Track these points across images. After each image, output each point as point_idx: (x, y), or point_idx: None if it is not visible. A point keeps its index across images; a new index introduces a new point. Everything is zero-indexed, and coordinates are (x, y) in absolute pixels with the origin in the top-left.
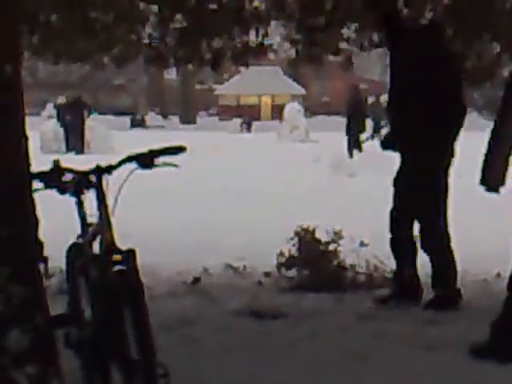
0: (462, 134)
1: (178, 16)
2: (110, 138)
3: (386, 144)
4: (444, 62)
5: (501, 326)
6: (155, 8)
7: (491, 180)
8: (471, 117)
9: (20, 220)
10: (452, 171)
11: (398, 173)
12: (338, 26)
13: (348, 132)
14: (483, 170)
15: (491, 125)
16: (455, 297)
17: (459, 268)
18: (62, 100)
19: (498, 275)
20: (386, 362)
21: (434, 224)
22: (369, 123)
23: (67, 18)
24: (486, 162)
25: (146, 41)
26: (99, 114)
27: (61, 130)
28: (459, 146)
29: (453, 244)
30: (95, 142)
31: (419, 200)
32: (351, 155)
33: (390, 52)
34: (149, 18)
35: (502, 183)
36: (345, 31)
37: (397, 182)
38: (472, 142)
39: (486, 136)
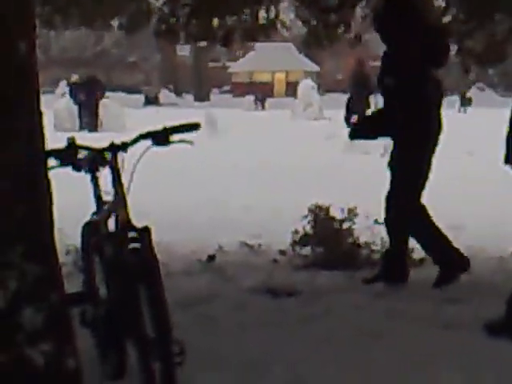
0: (477, 112)
1: None
2: (123, 116)
3: (354, 134)
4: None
5: None
6: None
7: None
8: (486, 94)
9: (35, 198)
10: (463, 150)
11: (391, 155)
12: (351, 5)
13: (348, 109)
14: (508, 148)
15: (509, 101)
16: (456, 268)
17: (477, 246)
18: (75, 78)
19: None
20: (398, 340)
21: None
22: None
23: None
24: (509, 140)
25: (155, 16)
26: (113, 91)
27: (75, 108)
28: (475, 124)
29: (469, 221)
30: (108, 119)
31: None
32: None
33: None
34: None
35: None
36: (357, 10)
37: (390, 164)
38: (486, 120)
39: (502, 113)
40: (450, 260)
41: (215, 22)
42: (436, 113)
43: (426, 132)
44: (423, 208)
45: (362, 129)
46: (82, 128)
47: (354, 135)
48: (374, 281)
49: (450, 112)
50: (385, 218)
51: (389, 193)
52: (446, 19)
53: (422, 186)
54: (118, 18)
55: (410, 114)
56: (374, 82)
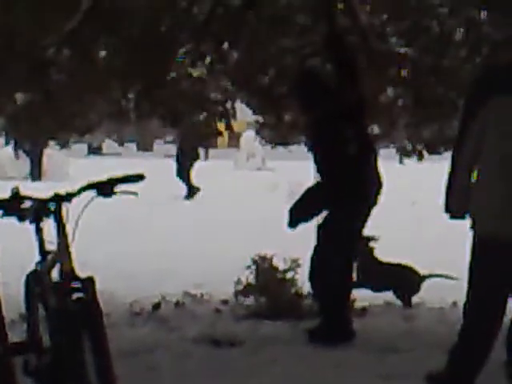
0: (416, 166)
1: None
2: (67, 165)
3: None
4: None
5: (456, 354)
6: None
7: (455, 207)
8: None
9: None
10: (406, 200)
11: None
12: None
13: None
14: (447, 198)
15: (448, 155)
16: (339, 330)
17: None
18: None
19: (455, 304)
20: None
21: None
22: None
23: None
24: (448, 189)
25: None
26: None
27: (18, 157)
28: (419, 176)
29: None
30: (52, 169)
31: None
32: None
33: None
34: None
35: (466, 210)
36: None
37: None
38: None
39: (438, 164)
40: (339, 327)
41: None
42: (370, 169)
43: (357, 194)
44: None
45: (300, 213)
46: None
47: (293, 223)
48: (317, 332)
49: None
50: (310, 279)
51: (313, 256)
52: (395, 109)
53: (351, 247)
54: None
55: (336, 176)
56: None
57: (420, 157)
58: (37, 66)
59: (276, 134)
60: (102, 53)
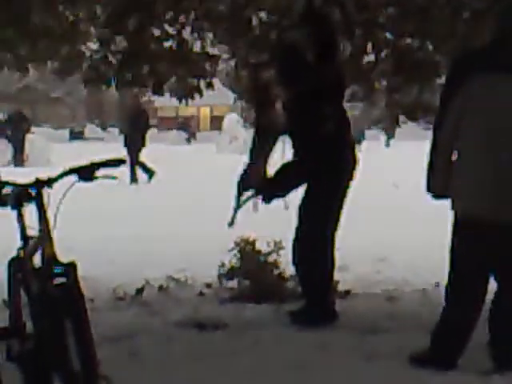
0: (400, 145)
1: (120, 38)
2: (49, 151)
3: (269, 197)
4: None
5: (439, 335)
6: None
7: (437, 187)
8: (408, 127)
9: None
10: (388, 182)
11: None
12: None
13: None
14: (428, 178)
15: (428, 134)
16: (322, 312)
17: (399, 277)
18: (1, 116)
19: (437, 285)
20: (326, 372)
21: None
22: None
23: (8, 21)
24: (429, 169)
25: (87, 61)
26: (37, 126)
27: None
28: (400, 156)
29: (393, 254)
30: (34, 154)
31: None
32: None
33: None
34: (90, 38)
35: (448, 190)
36: None
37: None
38: (410, 152)
39: (424, 145)
40: (321, 309)
41: (146, 68)
42: (345, 148)
43: (334, 171)
44: (330, 249)
45: (274, 188)
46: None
47: (269, 198)
48: (299, 314)
49: (375, 145)
50: (292, 261)
51: (295, 236)
52: (375, 73)
53: (333, 226)
54: (50, 63)
55: (313, 154)
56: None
57: (396, 123)
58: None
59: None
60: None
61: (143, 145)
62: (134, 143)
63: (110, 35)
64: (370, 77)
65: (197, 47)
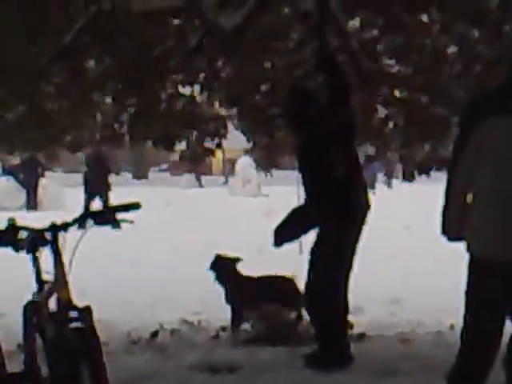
0: (411, 188)
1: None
2: (62, 195)
3: (279, 241)
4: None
5: (454, 376)
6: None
7: (452, 229)
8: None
9: None
10: (400, 224)
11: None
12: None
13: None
14: (443, 220)
15: (443, 176)
16: (337, 355)
17: (414, 319)
18: (15, 160)
19: (452, 327)
20: None
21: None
22: None
23: (22, 110)
24: (444, 211)
25: (100, 122)
26: (50, 170)
27: (13, 187)
28: (410, 199)
29: (407, 296)
30: (48, 198)
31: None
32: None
33: None
34: (103, 100)
35: (462, 233)
36: None
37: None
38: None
39: (438, 187)
40: (336, 351)
41: (159, 126)
42: (357, 191)
43: (346, 214)
44: (344, 292)
45: (285, 233)
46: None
47: (278, 242)
48: (314, 357)
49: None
50: (307, 308)
51: (308, 280)
52: (387, 128)
53: (346, 270)
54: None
55: (324, 197)
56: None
57: (412, 177)
58: (29, 79)
59: (267, 156)
60: (95, 70)
61: (109, 189)
62: (98, 188)
63: (122, 92)
64: (381, 133)
65: (206, 108)
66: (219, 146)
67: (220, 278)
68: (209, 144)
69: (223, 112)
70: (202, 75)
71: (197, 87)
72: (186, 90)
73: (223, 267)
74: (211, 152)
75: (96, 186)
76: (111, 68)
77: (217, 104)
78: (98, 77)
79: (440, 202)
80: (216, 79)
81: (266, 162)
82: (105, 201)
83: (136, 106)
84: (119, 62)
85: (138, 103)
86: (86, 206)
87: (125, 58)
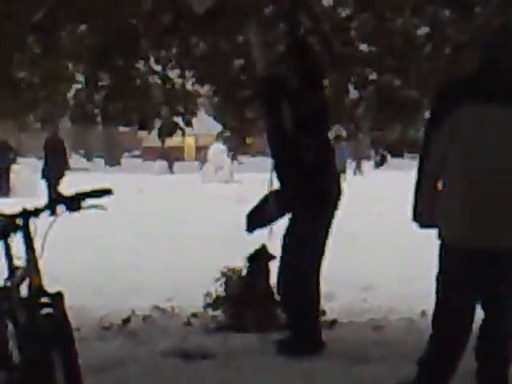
0: (384, 175)
1: (105, 75)
2: (35, 182)
3: (253, 226)
4: None
5: (425, 363)
6: (82, 67)
7: (424, 216)
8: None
9: None
10: (372, 209)
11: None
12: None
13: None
14: (415, 207)
15: (413, 164)
16: (309, 342)
17: (386, 306)
18: None
19: (423, 313)
20: None
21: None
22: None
23: None
24: (416, 198)
25: (72, 100)
26: (23, 156)
27: None
28: (381, 185)
29: (379, 282)
30: (20, 185)
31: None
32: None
33: None
34: (75, 77)
35: (434, 219)
36: None
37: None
38: (396, 181)
39: (406, 175)
40: (308, 338)
41: (132, 104)
42: (329, 177)
43: (318, 201)
44: (316, 279)
45: (257, 219)
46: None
47: (251, 228)
48: (286, 343)
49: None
50: (278, 291)
51: (280, 267)
52: (359, 110)
53: (318, 256)
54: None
55: (296, 184)
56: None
57: (383, 160)
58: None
59: (238, 139)
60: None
61: (63, 174)
62: (54, 172)
63: (95, 72)
64: (353, 115)
65: (179, 85)
66: (189, 124)
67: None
68: (179, 121)
69: (194, 90)
70: (174, 52)
71: (170, 65)
72: (158, 68)
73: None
74: (181, 129)
75: (54, 170)
76: (84, 46)
77: (189, 82)
78: (71, 54)
79: (411, 189)
80: (188, 57)
81: (238, 145)
82: (55, 186)
83: (108, 86)
84: (91, 40)
85: (110, 82)
86: (50, 192)
87: (98, 37)
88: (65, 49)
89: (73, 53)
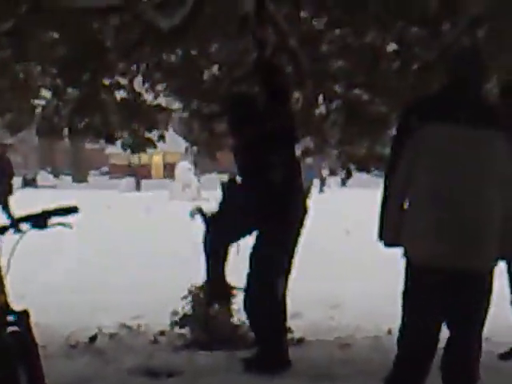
0: (350, 192)
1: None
2: None
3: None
4: None
5: (391, 381)
6: (48, 80)
7: (389, 235)
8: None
9: None
10: (339, 228)
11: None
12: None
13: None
14: (380, 226)
15: (379, 182)
16: (275, 360)
17: (352, 324)
18: None
19: (390, 331)
20: None
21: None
22: None
23: None
24: (381, 217)
25: (39, 112)
26: None
27: None
28: (348, 203)
29: (346, 301)
30: None
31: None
32: None
33: None
34: (42, 89)
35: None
36: None
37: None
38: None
39: (373, 193)
40: (274, 356)
41: (98, 118)
42: (296, 195)
43: (284, 218)
44: (282, 296)
45: (225, 232)
46: None
47: (215, 243)
48: (252, 361)
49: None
50: (244, 308)
51: (247, 284)
52: (327, 125)
53: (284, 273)
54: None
55: (262, 200)
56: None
57: (348, 175)
58: None
59: (207, 154)
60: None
61: (10, 192)
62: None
63: (63, 85)
64: (321, 129)
65: (149, 99)
66: (162, 137)
67: None
68: (150, 135)
69: (164, 103)
70: (143, 66)
71: (139, 80)
72: (125, 82)
73: None
74: (152, 143)
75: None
76: (51, 59)
77: (160, 96)
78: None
79: (378, 207)
80: (158, 70)
81: (207, 159)
82: (3, 206)
83: (75, 99)
84: (59, 52)
85: (77, 96)
86: (7, 211)
87: (65, 50)
88: (34, 56)
89: (41, 61)
